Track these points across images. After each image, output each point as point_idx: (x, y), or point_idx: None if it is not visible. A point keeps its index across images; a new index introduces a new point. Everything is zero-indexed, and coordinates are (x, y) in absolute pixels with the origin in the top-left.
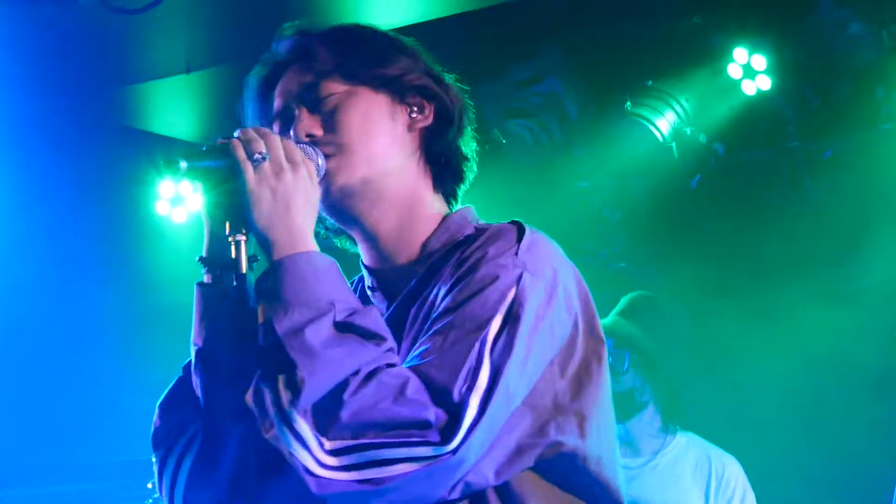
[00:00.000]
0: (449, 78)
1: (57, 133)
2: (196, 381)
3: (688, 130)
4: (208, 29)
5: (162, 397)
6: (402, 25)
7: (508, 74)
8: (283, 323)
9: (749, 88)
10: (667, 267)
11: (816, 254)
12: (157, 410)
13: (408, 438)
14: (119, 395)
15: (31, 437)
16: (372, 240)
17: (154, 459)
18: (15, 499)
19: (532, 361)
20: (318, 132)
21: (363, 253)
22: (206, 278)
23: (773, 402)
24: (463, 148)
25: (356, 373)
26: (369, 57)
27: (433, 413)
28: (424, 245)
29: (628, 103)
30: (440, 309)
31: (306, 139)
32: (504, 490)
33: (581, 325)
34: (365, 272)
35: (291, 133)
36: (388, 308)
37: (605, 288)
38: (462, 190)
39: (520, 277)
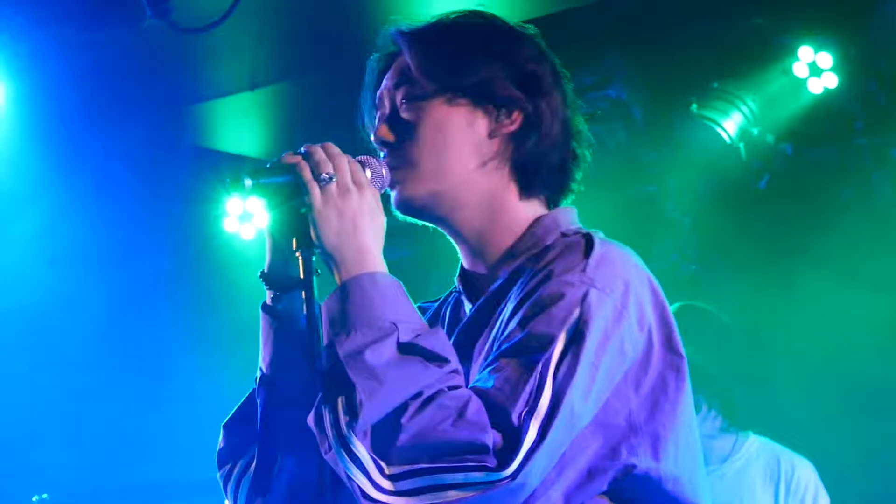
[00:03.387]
0: (552, 75)
1: (126, 153)
2: (258, 404)
3: (755, 131)
4: (272, 45)
5: (229, 416)
6: None
7: (573, 80)
8: (346, 345)
9: (815, 87)
10: (737, 268)
11: (886, 252)
12: (222, 429)
13: (464, 463)
14: (191, 413)
15: (108, 458)
16: (461, 240)
17: (219, 477)
18: None
19: (600, 381)
20: (392, 139)
21: (459, 251)
22: (268, 296)
23: (841, 402)
24: (556, 152)
25: (416, 396)
26: (454, 61)
27: (491, 437)
28: (510, 249)
29: (694, 105)
30: (508, 327)
31: (381, 146)
32: None
33: (656, 339)
34: (459, 271)
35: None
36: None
37: (677, 292)
38: (568, 193)
39: (586, 295)
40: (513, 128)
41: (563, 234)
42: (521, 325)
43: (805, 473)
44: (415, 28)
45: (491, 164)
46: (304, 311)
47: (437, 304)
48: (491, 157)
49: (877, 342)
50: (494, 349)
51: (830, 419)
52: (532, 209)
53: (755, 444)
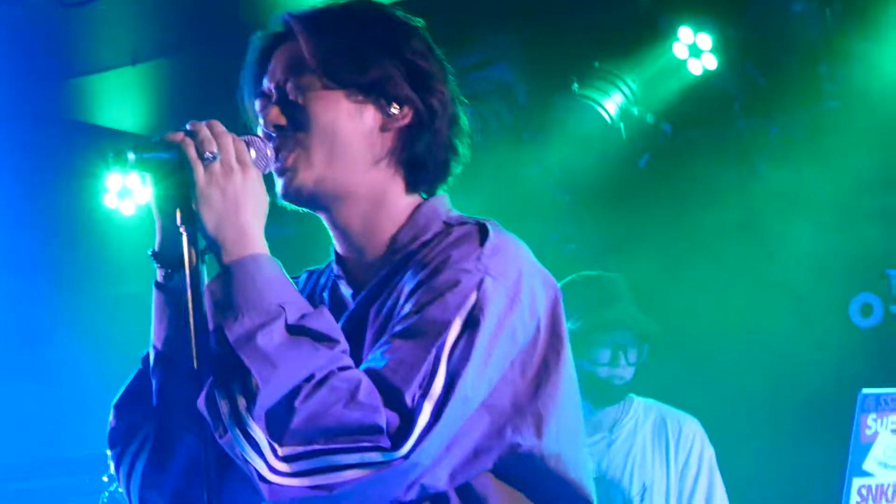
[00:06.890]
0: (440, 71)
1: (1, 128)
2: (152, 382)
3: (635, 111)
4: (154, 21)
5: (118, 395)
6: None
7: (456, 60)
8: (235, 329)
9: (695, 68)
10: (617, 246)
11: (762, 232)
12: (112, 409)
13: (358, 444)
14: (70, 389)
15: None
16: (340, 230)
17: (109, 456)
18: None
19: (492, 367)
20: (284, 124)
21: (334, 238)
22: (158, 274)
23: (725, 370)
24: (444, 149)
25: (309, 378)
26: (349, 57)
27: (384, 418)
28: (393, 239)
29: (575, 85)
30: (402, 312)
31: (272, 129)
32: (465, 490)
33: (543, 327)
34: (334, 258)
35: (260, 118)
36: (352, 297)
37: (559, 271)
38: (442, 186)
39: (481, 282)
40: (404, 122)
41: (447, 224)
42: (416, 309)
43: (690, 428)
44: (310, 14)
45: (381, 158)
46: (188, 287)
47: (301, 281)
48: (381, 152)
49: (752, 320)
50: (387, 332)
51: (707, 385)
52: (410, 199)
53: (641, 406)
